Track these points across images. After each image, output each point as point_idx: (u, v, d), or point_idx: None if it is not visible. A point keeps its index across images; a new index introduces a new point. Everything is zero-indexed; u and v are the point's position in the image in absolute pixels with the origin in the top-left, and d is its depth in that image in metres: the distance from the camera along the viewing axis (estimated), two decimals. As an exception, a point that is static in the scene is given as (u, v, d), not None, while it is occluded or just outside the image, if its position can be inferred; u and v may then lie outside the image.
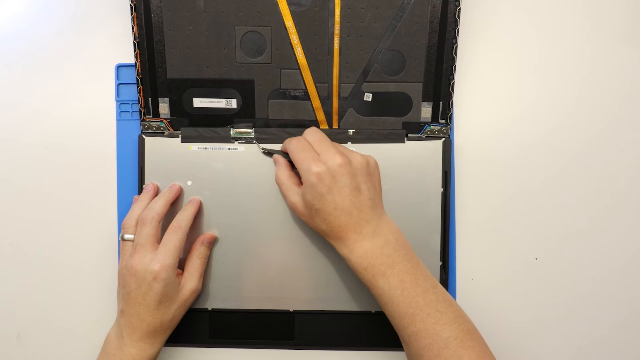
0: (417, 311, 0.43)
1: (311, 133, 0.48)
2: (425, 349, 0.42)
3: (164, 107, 0.52)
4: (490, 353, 0.43)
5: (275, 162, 0.50)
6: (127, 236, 0.49)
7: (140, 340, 0.47)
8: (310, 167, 0.45)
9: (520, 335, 0.53)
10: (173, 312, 0.48)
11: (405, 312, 0.43)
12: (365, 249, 0.45)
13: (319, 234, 0.48)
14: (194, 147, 0.52)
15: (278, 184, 0.49)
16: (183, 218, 0.49)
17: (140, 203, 0.50)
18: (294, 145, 0.48)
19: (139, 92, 0.52)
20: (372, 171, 0.47)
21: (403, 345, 0.45)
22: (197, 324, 0.52)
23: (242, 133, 0.52)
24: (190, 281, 0.49)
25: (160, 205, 0.49)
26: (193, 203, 0.51)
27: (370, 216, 0.45)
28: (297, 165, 0.47)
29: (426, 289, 0.44)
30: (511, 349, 0.52)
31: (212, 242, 0.51)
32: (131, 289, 0.47)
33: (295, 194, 0.47)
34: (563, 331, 0.53)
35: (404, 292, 0.43)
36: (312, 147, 0.47)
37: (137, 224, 0.49)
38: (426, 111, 0.52)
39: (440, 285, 0.45)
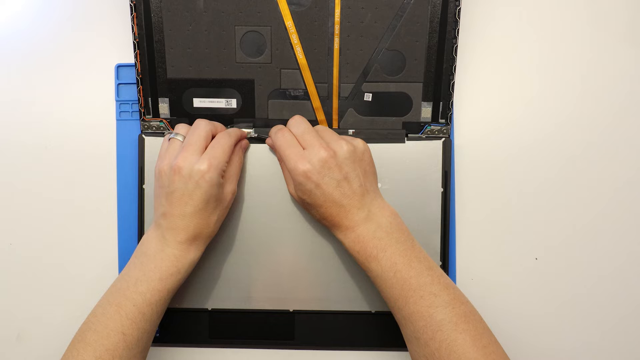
0: (410, 294, 0.43)
1: (296, 124, 0.48)
2: (420, 331, 0.42)
3: (164, 107, 0.52)
4: (489, 336, 0.43)
5: (271, 147, 0.51)
6: (177, 136, 0.48)
7: (185, 242, 0.45)
8: (296, 166, 0.45)
9: (520, 335, 0.53)
10: (218, 214, 0.47)
11: (399, 294, 0.43)
12: (357, 234, 0.45)
13: (320, 228, 0.49)
14: (194, 147, 0.52)
15: (281, 168, 0.50)
16: (232, 131, 0.49)
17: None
18: (279, 140, 0.48)
19: (139, 92, 0.52)
20: (360, 156, 0.47)
21: (400, 327, 0.45)
22: (197, 324, 0.52)
23: (242, 133, 0.52)
24: (230, 184, 0.48)
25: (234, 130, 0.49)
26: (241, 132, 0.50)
27: (361, 203, 0.46)
28: (284, 161, 0.47)
29: (420, 271, 0.44)
30: (511, 349, 0.52)
31: (247, 148, 0.51)
32: (175, 187, 0.45)
33: (291, 185, 0.48)
34: (563, 331, 0.53)
35: (397, 275, 0.44)
36: (297, 140, 0.47)
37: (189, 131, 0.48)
38: (426, 111, 0.52)
39: (437, 268, 0.45)
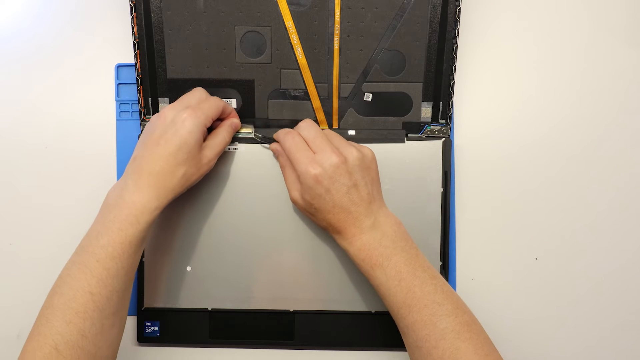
0: (414, 302, 0.43)
1: (306, 128, 0.48)
2: (423, 340, 0.42)
3: (164, 107, 0.52)
4: (490, 345, 0.43)
5: (275, 153, 0.50)
6: None
7: (145, 186, 0.44)
8: (307, 169, 0.45)
9: (520, 336, 0.53)
10: (187, 168, 0.45)
11: (402, 302, 0.43)
12: (363, 241, 0.45)
13: (320, 229, 0.48)
14: (194, 147, 0.52)
15: (283, 174, 0.50)
16: (225, 103, 0.49)
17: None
18: (289, 143, 0.48)
19: (139, 92, 0.52)
20: (368, 164, 0.47)
21: (402, 336, 0.45)
22: (197, 324, 0.52)
23: (242, 133, 0.52)
24: (209, 151, 0.47)
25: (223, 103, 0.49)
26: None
27: (368, 211, 0.46)
28: (293, 164, 0.47)
29: (424, 280, 0.44)
30: (511, 349, 0.52)
31: (238, 128, 0.51)
32: (154, 130, 0.45)
33: (295, 191, 0.48)
34: (563, 331, 0.53)
35: (401, 283, 0.44)
36: (307, 144, 0.47)
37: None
38: (426, 111, 0.52)
39: (440, 277, 0.45)
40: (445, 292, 0.44)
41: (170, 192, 0.45)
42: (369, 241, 0.45)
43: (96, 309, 0.41)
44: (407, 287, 0.43)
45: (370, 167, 0.47)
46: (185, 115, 0.45)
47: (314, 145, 0.47)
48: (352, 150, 0.46)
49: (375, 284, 0.45)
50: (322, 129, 0.51)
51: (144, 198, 0.44)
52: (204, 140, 0.47)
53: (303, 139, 0.48)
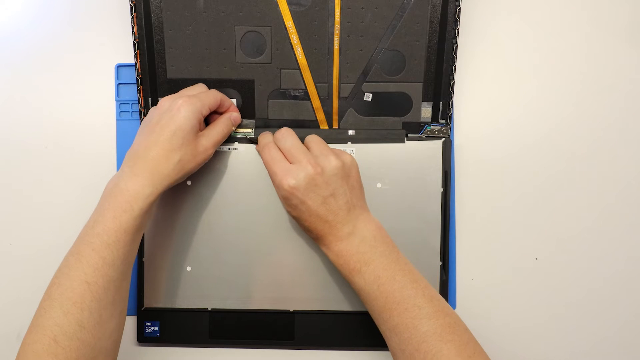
0: (394, 306, 0.43)
1: (282, 139, 0.48)
2: (405, 343, 0.42)
3: (164, 107, 0.52)
4: (474, 346, 0.43)
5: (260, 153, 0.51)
6: None
7: (140, 173, 0.44)
8: (281, 182, 0.45)
9: (521, 335, 0.53)
10: (182, 155, 0.45)
11: (383, 306, 0.44)
12: (341, 248, 0.45)
13: None
14: (194, 147, 0.52)
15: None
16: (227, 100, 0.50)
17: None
18: (265, 155, 0.48)
19: (139, 92, 0.52)
20: (347, 173, 0.47)
21: (385, 339, 0.45)
22: (197, 324, 0.52)
23: (241, 132, 0.52)
24: (206, 140, 0.47)
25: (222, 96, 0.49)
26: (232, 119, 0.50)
27: (347, 219, 0.46)
28: (270, 176, 0.47)
29: (404, 284, 0.44)
30: (511, 349, 0.52)
31: (238, 122, 0.51)
32: (150, 119, 0.46)
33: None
34: (563, 331, 0.53)
35: (381, 288, 0.44)
36: (284, 155, 0.47)
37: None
38: (426, 111, 0.52)
39: (421, 280, 0.45)
40: (426, 296, 0.43)
41: (165, 179, 0.45)
42: (346, 248, 0.45)
43: (94, 299, 0.41)
44: (387, 292, 0.43)
45: (349, 175, 0.47)
46: (181, 101, 0.45)
47: (290, 156, 0.47)
48: (330, 160, 0.46)
49: (356, 288, 0.45)
50: (309, 134, 0.50)
51: (138, 184, 0.43)
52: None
53: (280, 149, 0.48)
